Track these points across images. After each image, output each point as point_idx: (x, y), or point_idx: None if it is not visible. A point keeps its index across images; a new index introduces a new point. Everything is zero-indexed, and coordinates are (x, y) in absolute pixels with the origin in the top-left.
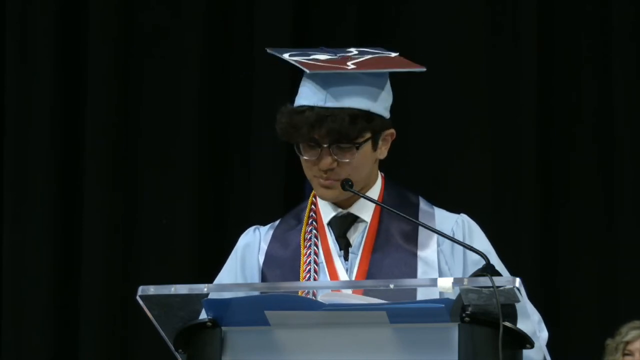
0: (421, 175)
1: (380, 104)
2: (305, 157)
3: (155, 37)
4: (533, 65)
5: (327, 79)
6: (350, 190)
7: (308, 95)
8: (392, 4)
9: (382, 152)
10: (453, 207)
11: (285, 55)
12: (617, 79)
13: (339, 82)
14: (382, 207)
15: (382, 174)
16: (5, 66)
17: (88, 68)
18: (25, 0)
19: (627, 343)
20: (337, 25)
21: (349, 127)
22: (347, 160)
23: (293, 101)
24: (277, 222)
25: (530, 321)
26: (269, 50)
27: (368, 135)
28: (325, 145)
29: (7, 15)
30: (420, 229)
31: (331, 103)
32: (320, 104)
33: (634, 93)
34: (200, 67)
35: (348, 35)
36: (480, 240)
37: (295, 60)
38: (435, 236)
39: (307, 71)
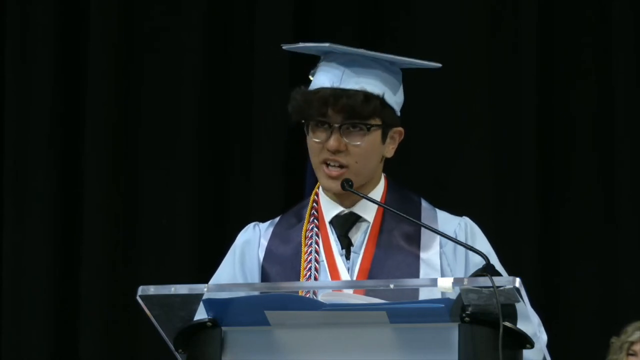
0: (422, 175)
1: (394, 97)
2: (315, 139)
3: (155, 37)
4: (533, 66)
5: (344, 63)
6: (350, 190)
7: (324, 77)
8: (393, 4)
9: (390, 150)
10: (454, 207)
11: (301, 44)
12: (617, 81)
13: (356, 66)
14: (384, 207)
15: (385, 175)
16: (5, 66)
17: (88, 68)
18: (25, 0)
19: (632, 343)
20: (338, 24)
21: (362, 105)
22: (357, 144)
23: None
24: (277, 218)
25: (531, 323)
26: (284, 47)
27: (379, 121)
28: (336, 125)
29: (7, 15)
30: (423, 230)
31: (346, 84)
32: (336, 84)
33: (633, 96)
34: (201, 66)
35: (347, 35)
36: (482, 243)
37: (315, 45)
38: (438, 238)
39: (327, 45)
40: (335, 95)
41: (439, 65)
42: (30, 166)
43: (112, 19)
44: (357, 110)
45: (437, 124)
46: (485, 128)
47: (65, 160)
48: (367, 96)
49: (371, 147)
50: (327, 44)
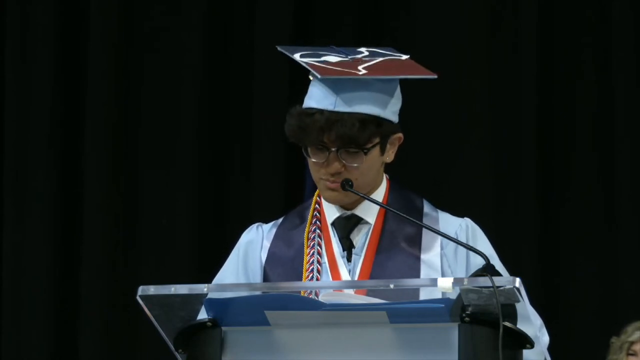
0: (422, 175)
1: (390, 108)
2: (314, 160)
3: (155, 37)
4: (533, 66)
5: (337, 83)
6: (350, 190)
7: (318, 98)
8: (393, 4)
9: (390, 155)
10: (453, 207)
11: (296, 56)
12: (617, 81)
13: (349, 87)
14: (386, 208)
15: (387, 177)
16: (5, 66)
17: (88, 68)
18: (25, 0)
19: (632, 343)
20: (338, 24)
21: (358, 132)
22: (355, 165)
23: (301, 101)
24: (280, 220)
25: (532, 325)
26: (279, 48)
27: (377, 140)
28: (333, 149)
29: (7, 15)
30: (424, 232)
31: (341, 107)
32: (330, 108)
33: (633, 96)
34: (201, 66)
35: (347, 35)
36: (484, 244)
37: (307, 63)
38: (439, 239)
39: (319, 76)
40: (329, 122)
41: (435, 75)
42: (30, 166)
43: (112, 19)
44: (352, 138)
45: (437, 123)
46: (485, 128)
47: (65, 160)
48: (363, 121)
49: (370, 163)
50: (318, 76)
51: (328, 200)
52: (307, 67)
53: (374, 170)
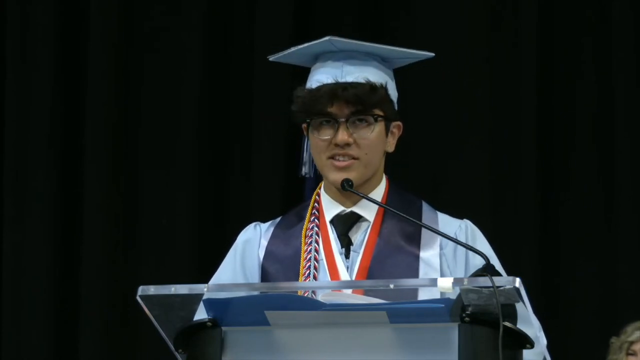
0: (422, 175)
1: (393, 91)
2: (322, 137)
3: (155, 37)
4: (533, 66)
5: (341, 59)
6: (350, 190)
7: (324, 75)
8: (393, 4)
9: (391, 144)
10: (453, 208)
11: (292, 48)
12: (617, 81)
13: (353, 60)
14: (385, 207)
15: (387, 177)
16: (5, 66)
17: (88, 68)
18: (25, 0)
19: (632, 343)
20: (338, 24)
21: (369, 94)
22: (365, 136)
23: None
24: (278, 219)
25: (532, 326)
26: (271, 59)
27: (382, 112)
28: (342, 120)
29: (7, 15)
30: (423, 231)
31: (349, 77)
32: (339, 78)
33: (633, 96)
34: (201, 66)
35: (347, 35)
36: (483, 245)
37: (309, 43)
38: (438, 239)
39: (328, 37)
40: (340, 86)
41: (432, 54)
42: (30, 166)
43: (112, 19)
44: (364, 99)
45: (437, 124)
46: (485, 128)
47: (65, 160)
48: (372, 86)
49: (378, 139)
50: (327, 37)
51: (335, 182)
52: (312, 42)
53: (380, 150)
